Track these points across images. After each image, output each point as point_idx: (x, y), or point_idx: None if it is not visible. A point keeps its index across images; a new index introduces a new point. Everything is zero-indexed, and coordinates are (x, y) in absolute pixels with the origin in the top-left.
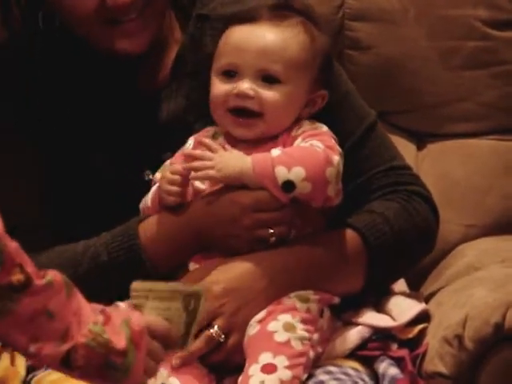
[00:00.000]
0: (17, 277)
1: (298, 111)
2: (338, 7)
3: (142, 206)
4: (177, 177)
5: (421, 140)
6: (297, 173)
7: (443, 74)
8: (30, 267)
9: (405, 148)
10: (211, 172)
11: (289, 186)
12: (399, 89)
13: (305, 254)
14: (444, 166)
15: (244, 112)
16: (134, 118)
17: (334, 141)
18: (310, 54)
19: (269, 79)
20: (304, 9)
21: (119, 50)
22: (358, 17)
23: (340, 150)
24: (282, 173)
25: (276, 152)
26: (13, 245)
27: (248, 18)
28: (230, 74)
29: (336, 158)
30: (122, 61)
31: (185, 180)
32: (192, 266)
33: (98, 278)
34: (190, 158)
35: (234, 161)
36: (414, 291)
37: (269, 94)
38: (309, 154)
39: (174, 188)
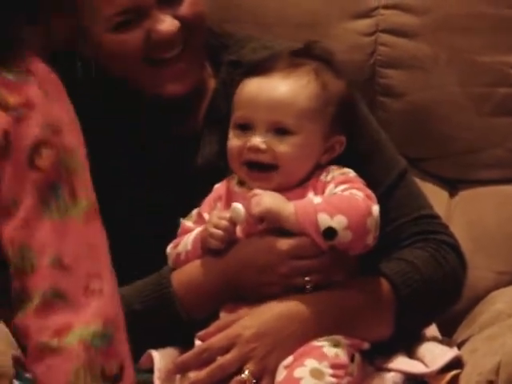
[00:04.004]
0: (111, 367)
1: (314, 159)
2: (369, 54)
3: (173, 250)
4: (224, 222)
5: (453, 186)
6: (339, 221)
7: (474, 121)
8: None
9: (437, 195)
10: (252, 210)
11: (330, 233)
12: (431, 135)
13: (335, 299)
14: (476, 213)
15: (259, 165)
16: (168, 164)
17: (366, 187)
18: (321, 102)
19: (281, 131)
20: (323, 54)
21: (165, 93)
22: (389, 64)
23: (375, 196)
24: (324, 220)
25: (318, 199)
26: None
27: (262, 69)
28: (244, 127)
29: (375, 208)
30: (161, 106)
31: (231, 226)
32: (223, 314)
33: (130, 326)
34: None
35: (273, 198)
36: (447, 338)
37: (282, 147)
38: (350, 203)
39: (219, 231)
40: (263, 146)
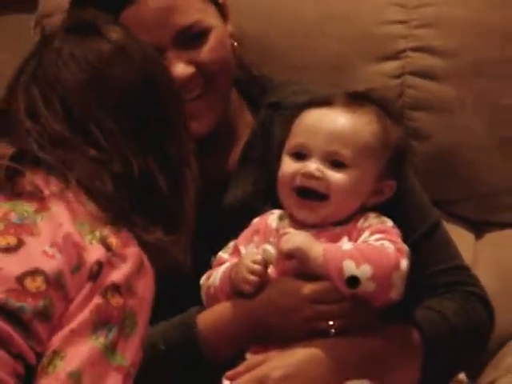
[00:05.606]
0: None
1: (363, 198)
2: (397, 96)
3: (206, 281)
4: (257, 266)
5: (479, 229)
6: (364, 270)
7: (500, 163)
8: None
9: (463, 237)
10: (280, 246)
11: (353, 281)
12: (457, 177)
13: (361, 344)
14: (503, 255)
15: (309, 194)
16: (200, 203)
17: (400, 239)
18: (380, 143)
19: (337, 163)
20: (381, 100)
21: None
22: (416, 106)
23: (408, 250)
24: (349, 267)
25: (348, 245)
26: None
27: (324, 102)
28: (300, 155)
29: (404, 263)
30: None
31: (264, 270)
32: (249, 355)
33: (155, 367)
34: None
35: (303, 237)
36: (473, 380)
37: (335, 177)
38: (379, 254)
39: (253, 277)
40: (318, 174)
